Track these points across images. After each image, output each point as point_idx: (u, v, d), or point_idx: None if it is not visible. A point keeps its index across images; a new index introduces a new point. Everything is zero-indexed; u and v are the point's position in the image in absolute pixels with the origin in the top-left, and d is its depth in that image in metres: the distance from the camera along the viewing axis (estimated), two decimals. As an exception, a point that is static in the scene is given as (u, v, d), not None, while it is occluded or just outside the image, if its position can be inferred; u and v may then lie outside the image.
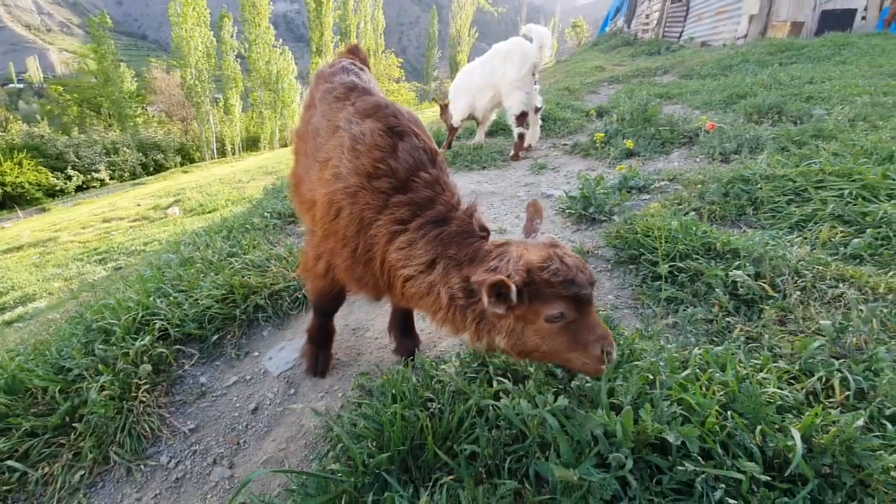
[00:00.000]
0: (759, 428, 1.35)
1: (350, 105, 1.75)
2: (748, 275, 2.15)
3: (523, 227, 1.56)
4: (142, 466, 1.90)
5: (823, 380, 1.58)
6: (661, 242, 2.43)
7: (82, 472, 1.85)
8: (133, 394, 2.08)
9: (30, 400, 2.07)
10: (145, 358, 2.24)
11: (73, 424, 1.95)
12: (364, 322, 2.64)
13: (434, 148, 1.63)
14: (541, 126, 6.18)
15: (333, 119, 1.76)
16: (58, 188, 27.61)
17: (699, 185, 3.37)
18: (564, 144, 6.11)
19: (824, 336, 1.76)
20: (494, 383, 1.70)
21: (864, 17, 12.45)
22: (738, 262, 2.27)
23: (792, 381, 1.63)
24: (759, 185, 3.07)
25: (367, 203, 1.54)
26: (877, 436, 1.36)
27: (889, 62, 7.31)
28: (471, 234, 1.47)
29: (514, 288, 1.21)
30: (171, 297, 2.61)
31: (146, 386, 2.14)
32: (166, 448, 1.98)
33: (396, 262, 1.52)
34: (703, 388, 1.47)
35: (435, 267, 1.46)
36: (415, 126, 1.63)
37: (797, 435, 1.28)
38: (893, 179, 2.87)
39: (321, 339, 2.24)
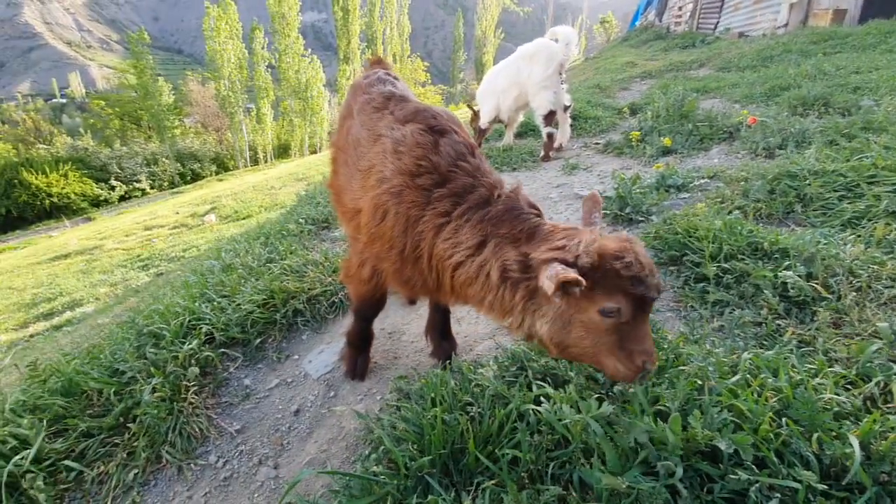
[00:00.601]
0: (815, 435, 1.29)
1: (389, 114, 1.81)
2: (799, 275, 2.06)
3: (581, 220, 1.51)
4: (192, 465, 1.97)
5: (881, 385, 1.50)
6: (708, 242, 2.36)
7: (136, 470, 1.93)
8: (182, 395, 2.17)
9: (86, 402, 2.18)
10: (193, 361, 2.34)
11: (128, 425, 2.05)
12: (400, 326, 2.67)
13: (473, 143, 1.67)
14: (571, 125, 6.10)
15: (374, 128, 1.81)
16: (102, 198, 29.13)
17: (742, 183, 3.25)
18: (596, 143, 6.01)
19: (882, 339, 1.67)
20: (534, 387, 1.69)
21: (914, 1, 11.72)
22: (787, 262, 2.17)
23: (849, 386, 1.55)
24: (807, 181, 2.94)
25: (413, 201, 1.56)
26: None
27: (944, 47, 6.87)
28: (520, 211, 1.45)
29: (582, 283, 1.15)
30: (215, 303, 2.71)
31: (194, 388, 2.22)
32: (214, 448, 2.05)
33: (444, 252, 1.52)
34: (755, 395, 1.42)
35: (485, 247, 1.44)
36: (453, 124, 1.68)
37: (855, 442, 1.22)
38: (954, 172, 2.70)
39: (361, 343, 2.27)
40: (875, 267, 2.08)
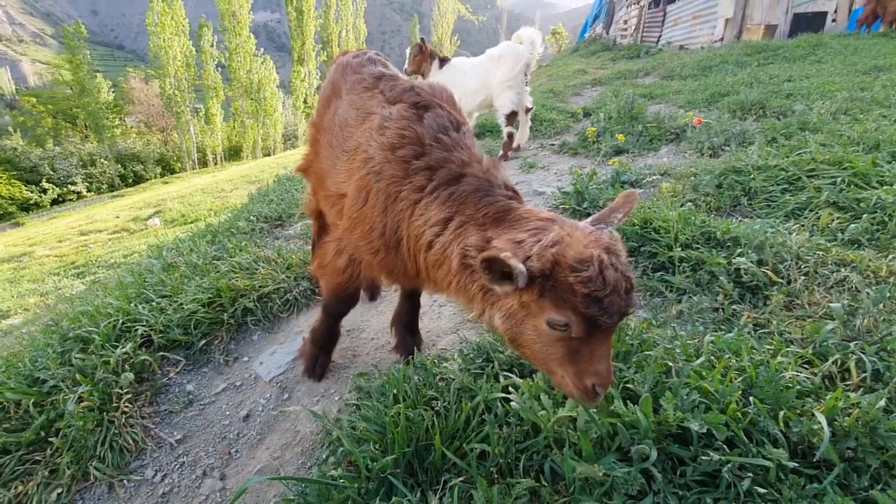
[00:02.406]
0: (781, 413, 1.30)
1: (380, 93, 1.72)
2: (751, 262, 2.12)
3: (600, 214, 1.26)
4: (125, 481, 1.77)
5: (839, 363, 1.55)
6: (664, 232, 2.39)
7: (60, 489, 1.71)
8: (114, 404, 1.95)
9: (1, 415, 1.92)
10: (127, 366, 2.11)
11: (49, 439, 1.82)
12: (359, 323, 2.54)
13: (460, 119, 1.57)
14: (529, 127, 6.17)
15: (364, 107, 1.72)
16: (32, 202, 26.90)
17: (692, 178, 3.37)
18: (552, 144, 6.10)
19: (835, 319, 1.73)
20: (501, 378, 1.63)
21: (834, 20, 12.81)
22: (739, 250, 2.24)
23: (806, 365, 1.58)
24: (752, 176, 3.07)
25: (392, 175, 1.46)
26: (899, 417, 1.32)
27: (862, 60, 7.50)
28: (488, 191, 1.34)
29: (519, 271, 1.05)
30: (154, 303, 2.48)
31: (128, 396, 2.00)
32: (151, 461, 1.85)
33: (417, 230, 1.41)
34: (721, 376, 1.42)
35: (449, 225, 1.34)
36: (441, 100, 1.59)
37: (823, 419, 1.23)
38: (882, 167, 2.90)
39: (326, 341, 2.11)
40: (821, 253, 2.18)
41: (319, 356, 2.12)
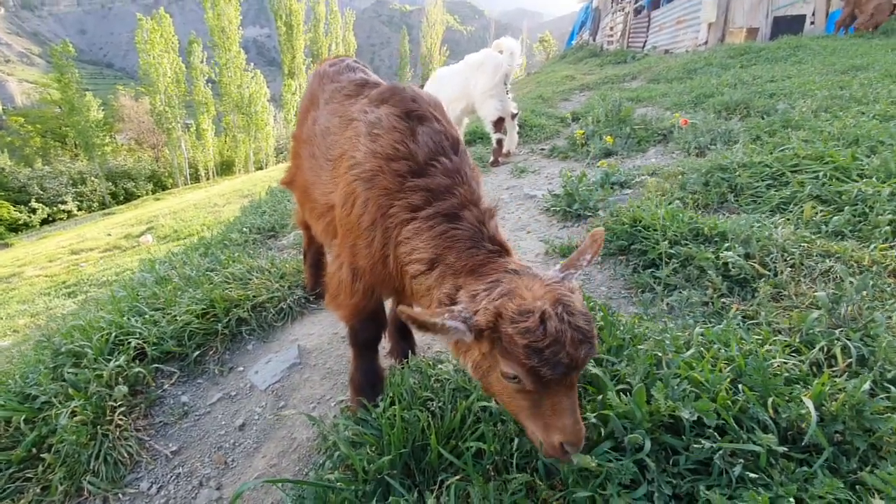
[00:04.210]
0: (770, 400, 1.32)
1: (364, 98, 1.66)
2: (738, 255, 2.15)
3: (568, 259, 1.28)
4: (120, 495, 1.75)
5: (825, 350, 1.57)
6: (653, 230, 2.43)
7: (53, 506, 1.69)
8: (108, 417, 1.93)
9: (-9, 433, 1.90)
10: (120, 379, 2.10)
11: (42, 455, 1.80)
12: (353, 329, 2.55)
13: (456, 135, 1.51)
14: (518, 132, 6.24)
15: (346, 114, 1.67)
16: (21, 222, 26.63)
17: (679, 177, 3.42)
18: (542, 149, 6.16)
19: (820, 308, 1.76)
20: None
21: (812, 22, 13.10)
22: (726, 245, 2.27)
23: (794, 353, 1.61)
24: (737, 173, 3.13)
25: (385, 187, 1.40)
26: (883, 398, 1.35)
27: (840, 61, 7.66)
28: (477, 243, 1.31)
29: (449, 326, 1.07)
30: (147, 316, 2.47)
31: (122, 409, 1.99)
32: (146, 473, 1.83)
33: (403, 256, 1.39)
34: (710, 365, 1.44)
35: (434, 269, 1.33)
36: (435, 110, 1.52)
37: (810, 404, 1.26)
38: (862, 160, 2.96)
39: (367, 386, 1.82)
40: (805, 245, 2.22)
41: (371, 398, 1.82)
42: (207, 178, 35.89)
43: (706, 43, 13.99)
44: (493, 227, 1.37)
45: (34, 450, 1.82)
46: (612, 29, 21.10)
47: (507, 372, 1.08)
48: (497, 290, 1.12)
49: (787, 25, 12.89)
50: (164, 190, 33.48)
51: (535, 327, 1.01)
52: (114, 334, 2.31)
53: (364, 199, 1.45)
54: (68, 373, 2.08)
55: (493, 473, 1.37)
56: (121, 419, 1.95)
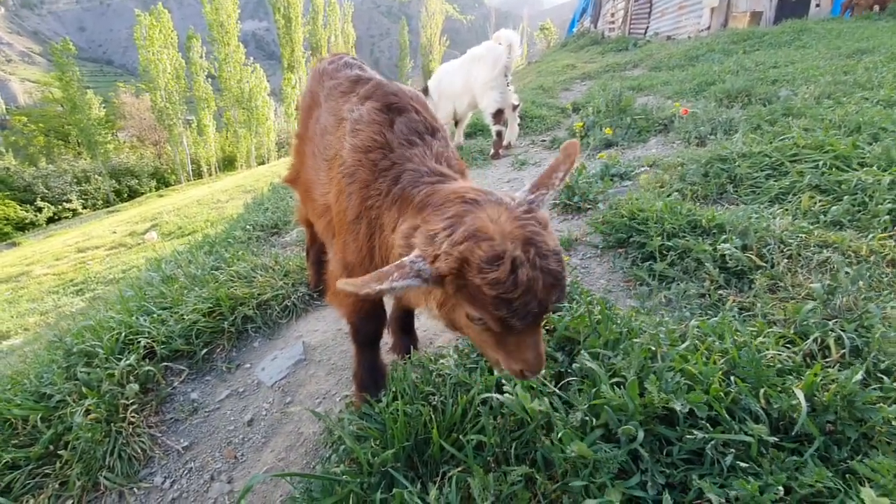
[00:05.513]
0: (762, 391, 1.35)
1: (355, 95, 1.70)
2: (735, 247, 2.17)
3: (538, 177, 1.19)
4: (135, 489, 1.81)
5: (819, 340, 1.60)
6: (651, 223, 2.44)
7: (70, 501, 1.76)
8: (121, 415, 2.00)
9: (9, 431, 1.96)
10: (131, 378, 2.16)
11: (59, 452, 1.86)
12: (357, 325, 2.59)
13: (435, 125, 1.53)
14: (518, 124, 6.24)
15: (338, 112, 1.70)
16: (27, 221, 26.86)
17: (679, 168, 3.42)
18: (543, 140, 6.16)
19: (815, 299, 1.78)
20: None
21: (818, 5, 12.92)
22: (724, 237, 2.29)
23: (789, 344, 1.64)
24: (737, 163, 3.13)
25: (364, 180, 1.43)
26: (875, 388, 1.37)
27: (845, 44, 7.57)
28: (417, 180, 1.30)
29: (402, 287, 1.02)
30: (155, 315, 2.53)
31: (134, 406, 2.05)
32: (160, 468, 1.90)
33: (384, 241, 1.38)
34: (704, 358, 1.47)
35: (398, 225, 1.30)
36: (415, 103, 1.55)
37: (800, 394, 1.29)
38: (863, 149, 2.95)
39: (371, 382, 1.86)
40: (803, 236, 2.23)
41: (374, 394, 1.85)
42: (210, 174, 35.95)
43: (709, 28, 13.83)
44: (434, 157, 1.38)
45: (51, 447, 1.89)
46: (613, 15, 20.85)
47: (472, 315, 1.06)
48: (460, 231, 1.03)
49: (792, 8, 12.71)
50: (167, 186, 33.62)
51: (505, 278, 0.96)
52: (123, 334, 2.37)
53: (348, 194, 1.48)
54: (81, 372, 2.14)
55: (493, 465, 1.42)
56: (133, 416, 2.01)
